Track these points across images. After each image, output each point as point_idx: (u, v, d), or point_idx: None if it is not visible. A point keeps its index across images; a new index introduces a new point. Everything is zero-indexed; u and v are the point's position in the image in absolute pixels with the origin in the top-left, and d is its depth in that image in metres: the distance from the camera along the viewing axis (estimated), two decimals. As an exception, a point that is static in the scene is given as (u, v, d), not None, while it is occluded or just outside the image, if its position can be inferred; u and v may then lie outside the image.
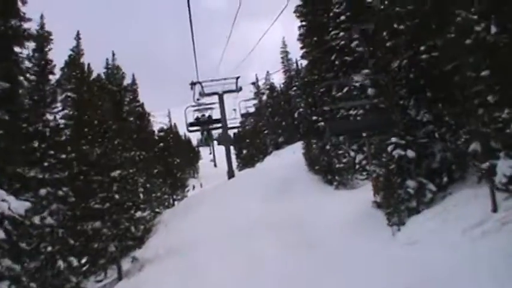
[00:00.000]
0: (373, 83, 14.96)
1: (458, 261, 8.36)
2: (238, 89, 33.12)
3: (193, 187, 54.83)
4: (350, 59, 16.57)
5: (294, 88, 45.08)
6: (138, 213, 20.12)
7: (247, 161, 55.13)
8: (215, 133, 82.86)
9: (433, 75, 13.35)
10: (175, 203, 38.75)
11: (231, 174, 34.13)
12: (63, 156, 15.75)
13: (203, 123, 32.42)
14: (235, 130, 66.78)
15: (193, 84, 31.40)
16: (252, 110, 40.19)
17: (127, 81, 37.53)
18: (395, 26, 13.35)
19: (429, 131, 14.09)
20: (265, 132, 48.73)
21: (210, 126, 33.35)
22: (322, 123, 21.59)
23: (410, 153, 13.08)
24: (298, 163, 30.04)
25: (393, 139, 13.40)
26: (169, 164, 38.88)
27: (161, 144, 38.95)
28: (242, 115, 36.64)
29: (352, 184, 21.13)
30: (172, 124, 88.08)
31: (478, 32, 9.47)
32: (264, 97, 51.24)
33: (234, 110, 36.46)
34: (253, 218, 18.90)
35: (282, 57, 48.36)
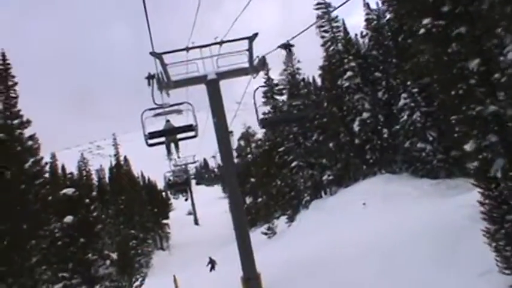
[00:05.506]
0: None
1: None
2: (259, 64, 11.40)
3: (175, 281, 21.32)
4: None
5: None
6: None
7: (258, 218, 32.61)
8: (192, 167, 45.64)
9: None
10: None
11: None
12: None
13: (171, 132, 11.62)
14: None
15: (151, 77, 11.97)
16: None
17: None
18: None
19: None
20: (293, 164, 26.08)
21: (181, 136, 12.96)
22: None
23: None
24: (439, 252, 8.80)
25: None
26: (88, 263, 15.96)
27: (69, 217, 16.12)
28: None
29: None
30: (122, 158, 56.77)
31: None
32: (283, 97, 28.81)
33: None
34: None
35: None
